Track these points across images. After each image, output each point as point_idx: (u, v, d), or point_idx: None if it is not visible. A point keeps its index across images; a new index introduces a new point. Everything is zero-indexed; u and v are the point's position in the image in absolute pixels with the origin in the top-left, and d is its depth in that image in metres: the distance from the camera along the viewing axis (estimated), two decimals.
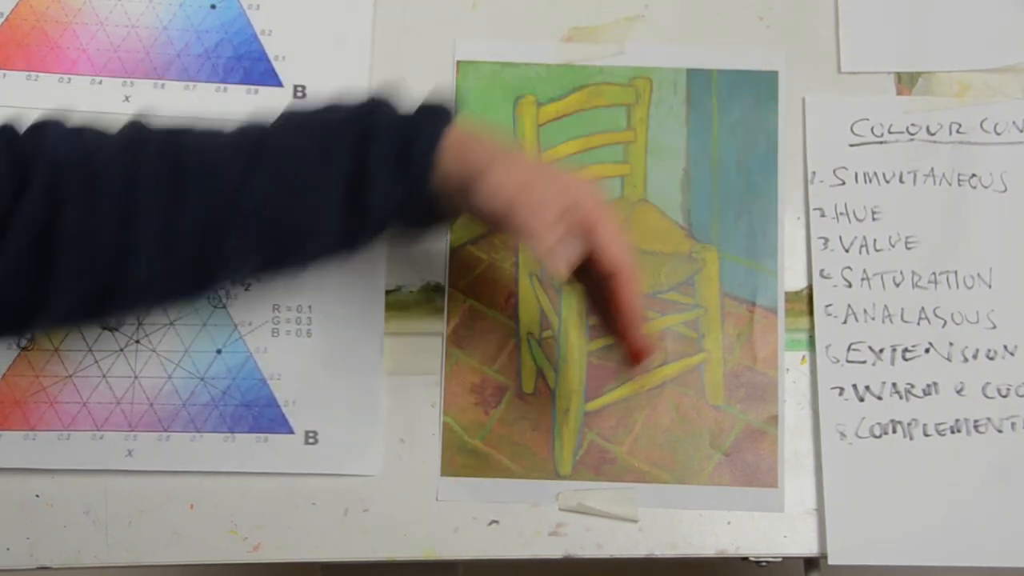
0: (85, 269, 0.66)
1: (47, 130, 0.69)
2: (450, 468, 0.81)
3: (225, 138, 0.69)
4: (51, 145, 0.67)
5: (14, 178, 0.65)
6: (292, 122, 0.71)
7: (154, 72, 0.85)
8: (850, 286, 0.82)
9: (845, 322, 0.82)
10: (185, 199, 0.66)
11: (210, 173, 0.67)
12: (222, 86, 0.85)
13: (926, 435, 0.80)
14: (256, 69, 0.86)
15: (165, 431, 0.80)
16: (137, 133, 0.69)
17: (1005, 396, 0.81)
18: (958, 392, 0.81)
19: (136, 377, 0.81)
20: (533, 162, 0.77)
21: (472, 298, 0.83)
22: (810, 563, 0.82)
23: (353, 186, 0.68)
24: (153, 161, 0.67)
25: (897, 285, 0.82)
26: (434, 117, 0.70)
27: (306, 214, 0.68)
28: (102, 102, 0.85)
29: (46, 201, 0.65)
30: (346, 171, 0.68)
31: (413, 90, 0.85)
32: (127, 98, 0.85)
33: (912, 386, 0.81)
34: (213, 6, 0.86)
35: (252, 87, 0.85)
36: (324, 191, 0.68)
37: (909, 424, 0.80)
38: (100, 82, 0.85)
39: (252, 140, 0.69)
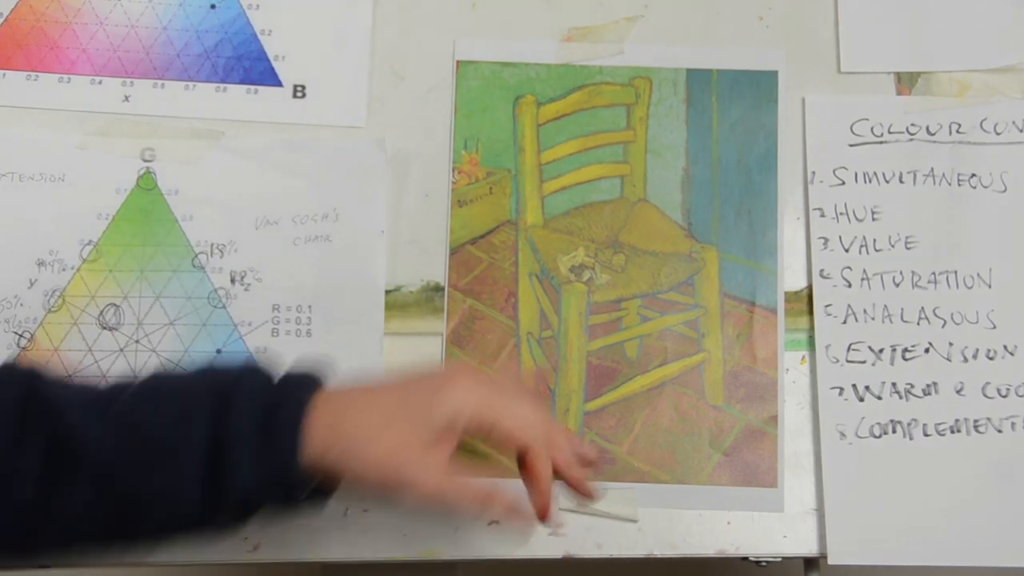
0: None
1: None
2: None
3: (85, 391, 0.65)
4: None
5: None
6: (156, 384, 0.66)
7: (154, 72, 0.85)
8: (850, 286, 0.82)
9: (845, 322, 0.82)
10: (24, 441, 0.61)
11: (56, 417, 0.62)
12: (222, 86, 0.85)
13: (926, 435, 0.80)
14: (256, 69, 0.86)
15: None
16: (22, 405, 0.63)
17: (1005, 396, 0.81)
18: (958, 392, 0.81)
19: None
20: (396, 405, 0.66)
21: (472, 298, 0.83)
22: (810, 563, 0.82)
23: (212, 460, 0.62)
24: (5, 403, 0.62)
25: (897, 285, 0.83)
26: (300, 385, 0.65)
27: (158, 483, 0.62)
28: (102, 102, 0.85)
29: None
30: (204, 443, 0.62)
31: (413, 90, 0.85)
32: (127, 98, 0.85)
33: (912, 386, 0.81)
34: (213, 6, 0.86)
35: (252, 87, 0.85)
36: (180, 462, 0.62)
37: (909, 424, 0.80)
38: (100, 82, 0.85)
39: (108, 393, 0.64)
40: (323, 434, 0.63)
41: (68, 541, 0.65)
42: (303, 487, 0.64)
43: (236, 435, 0.62)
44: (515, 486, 0.80)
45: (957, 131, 0.84)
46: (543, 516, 0.67)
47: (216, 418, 0.62)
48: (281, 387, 0.65)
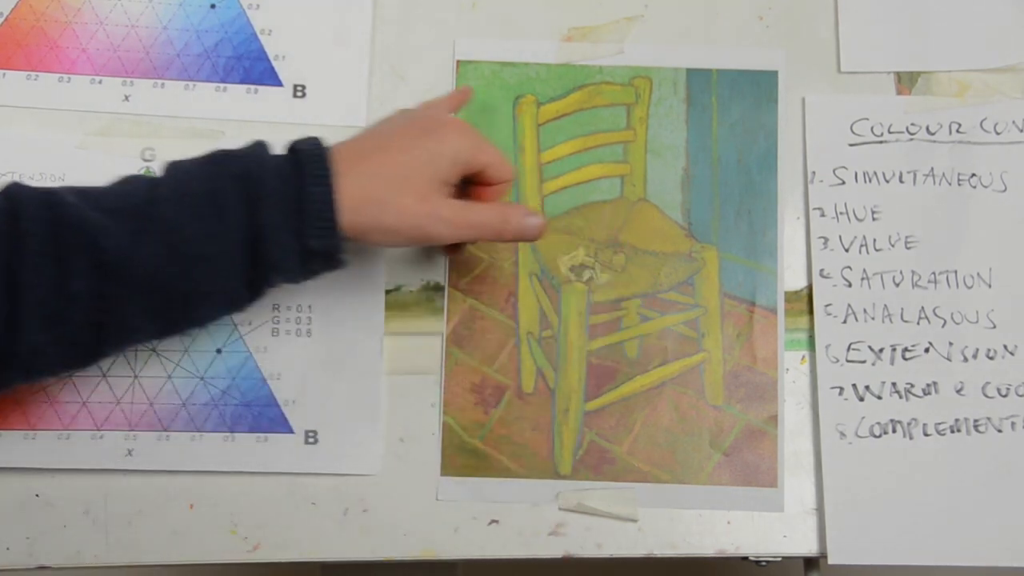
0: None
1: None
2: (450, 468, 0.81)
3: (106, 203, 0.67)
4: None
5: None
6: (177, 182, 0.68)
7: (154, 72, 0.85)
8: (850, 286, 0.82)
9: (845, 322, 0.82)
10: (70, 272, 0.64)
11: (93, 244, 0.65)
12: (222, 85, 0.85)
13: (926, 435, 0.80)
14: (256, 68, 0.86)
15: (165, 431, 0.80)
16: (8, 207, 0.65)
17: (1005, 396, 0.81)
18: (958, 392, 0.81)
19: (136, 377, 0.81)
20: (407, 157, 0.72)
21: (472, 298, 0.83)
22: (810, 563, 0.82)
23: (251, 251, 0.67)
24: (28, 237, 0.64)
25: (897, 285, 0.83)
26: (316, 156, 0.69)
27: (202, 281, 0.67)
28: (102, 102, 0.85)
29: None
30: (241, 239, 0.67)
31: (413, 90, 0.85)
32: (127, 97, 0.85)
33: (912, 386, 0.81)
34: (213, 6, 0.86)
35: (252, 86, 0.85)
36: (220, 259, 0.67)
37: (909, 424, 0.80)
38: (100, 82, 0.85)
39: (135, 206, 0.67)
40: (351, 200, 0.68)
41: (127, 343, 0.72)
42: (341, 253, 0.70)
43: (274, 224, 0.67)
44: (515, 485, 0.80)
45: (957, 131, 0.84)
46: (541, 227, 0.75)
47: (250, 211, 0.67)
48: (300, 164, 0.69)
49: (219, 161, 0.69)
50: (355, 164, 0.70)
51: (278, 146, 0.71)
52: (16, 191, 0.66)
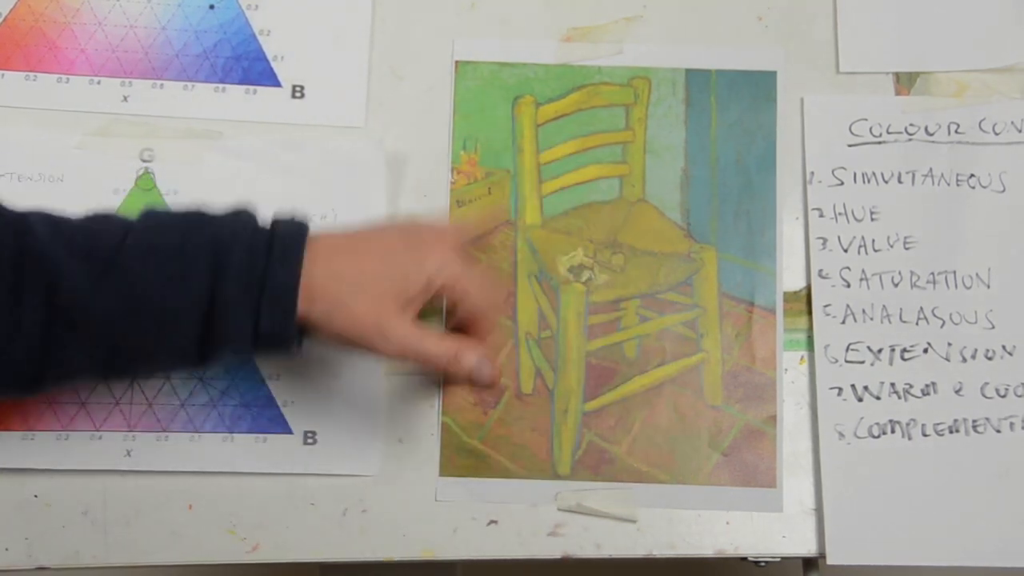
0: None
1: None
2: (449, 468, 0.81)
3: (76, 242, 0.66)
4: None
5: None
6: (149, 233, 0.67)
7: (152, 72, 0.85)
8: (849, 286, 0.82)
9: (844, 322, 0.82)
10: (23, 303, 0.63)
11: (51, 283, 0.64)
12: (221, 86, 0.85)
13: (924, 435, 0.80)
14: (255, 69, 0.86)
15: (164, 431, 0.80)
16: None
17: (1004, 396, 0.81)
18: (957, 392, 0.81)
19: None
20: (380, 264, 0.70)
21: None
22: (809, 563, 0.82)
23: (206, 319, 0.66)
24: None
25: (896, 285, 0.83)
26: (291, 239, 0.67)
27: (154, 338, 0.66)
28: (101, 102, 0.85)
29: None
30: (201, 308, 0.66)
31: (412, 90, 0.86)
32: (125, 98, 0.85)
33: (911, 386, 0.81)
34: (212, 6, 0.86)
35: (251, 87, 0.85)
36: (178, 325, 0.66)
37: (908, 424, 0.80)
38: (98, 82, 0.85)
39: (103, 250, 0.65)
40: (309, 292, 0.67)
41: (66, 381, 0.71)
42: (293, 341, 0.68)
43: (233, 298, 0.66)
44: (514, 486, 0.80)
45: (956, 131, 0.84)
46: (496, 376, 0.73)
47: (213, 280, 0.66)
48: (273, 243, 0.67)
49: (195, 221, 0.68)
50: (327, 257, 0.68)
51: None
52: None
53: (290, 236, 0.68)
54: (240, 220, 0.69)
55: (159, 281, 0.65)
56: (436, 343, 0.69)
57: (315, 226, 0.70)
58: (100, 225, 0.68)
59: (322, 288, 0.67)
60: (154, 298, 0.65)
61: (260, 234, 0.68)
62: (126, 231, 0.67)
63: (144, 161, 0.84)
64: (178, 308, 0.66)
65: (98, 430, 0.80)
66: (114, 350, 0.66)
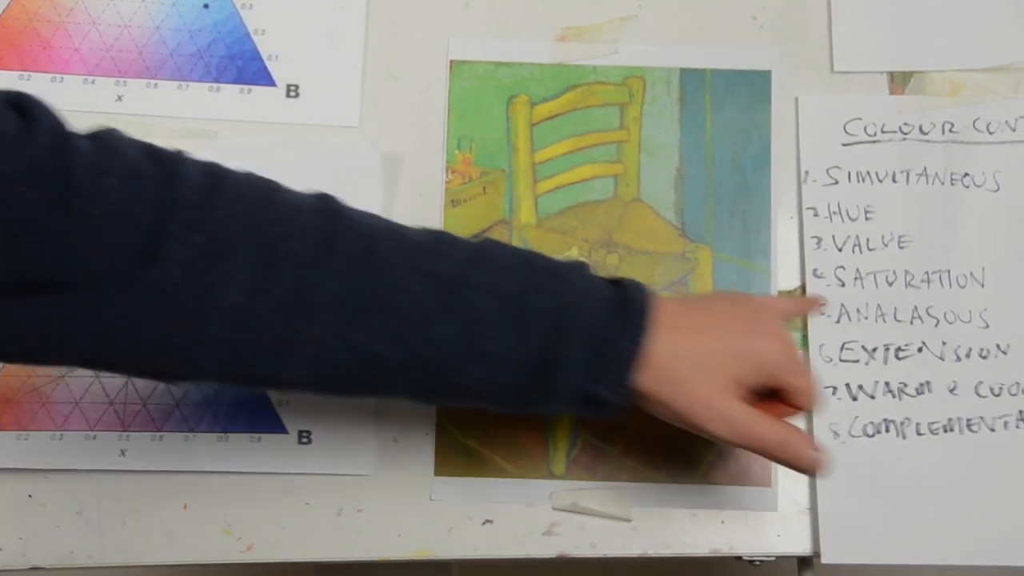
0: (234, 354, 0.61)
1: (224, 182, 0.63)
2: (444, 468, 0.81)
3: (421, 262, 0.64)
4: (230, 209, 0.61)
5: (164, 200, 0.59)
6: (492, 272, 0.65)
7: (147, 72, 0.85)
8: (843, 285, 0.83)
9: (838, 321, 0.82)
10: (361, 325, 0.62)
11: (396, 308, 0.62)
12: (215, 85, 0.85)
13: (919, 434, 0.80)
14: (249, 68, 0.86)
15: (158, 431, 0.80)
16: (328, 227, 0.63)
17: (998, 395, 0.81)
18: (951, 391, 0.81)
19: (129, 377, 0.81)
20: (722, 349, 0.68)
21: None
22: (804, 562, 0.82)
23: (536, 371, 0.64)
24: (339, 273, 0.62)
25: (890, 284, 0.83)
26: (636, 310, 0.66)
27: (476, 377, 0.64)
28: (95, 102, 0.85)
29: (219, 274, 0.60)
30: (534, 358, 0.64)
31: (407, 89, 0.85)
32: (120, 97, 0.85)
33: (905, 385, 0.81)
34: (206, 5, 0.86)
35: (245, 86, 0.85)
36: (504, 365, 0.64)
37: (902, 423, 0.80)
38: (93, 82, 0.85)
39: (448, 280, 0.64)
40: (653, 366, 0.65)
41: (375, 396, 0.71)
42: (619, 408, 0.67)
43: (572, 360, 0.64)
44: (509, 485, 0.80)
45: (950, 130, 0.85)
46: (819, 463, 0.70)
47: (554, 337, 0.64)
48: (622, 312, 0.66)
49: (539, 269, 0.66)
50: (672, 332, 0.66)
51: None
52: (335, 219, 0.64)
53: (639, 307, 0.66)
54: (585, 277, 0.67)
55: (499, 325, 0.64)
56: (770, 428, 0.68)
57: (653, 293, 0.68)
58: (444, 247, 0.66)
59: (665, 363, 0.66)
60: (490, 339, 0.64)
61: (606, 299, 0.66)
62: (472, 264, 0.65)
63: None
64: (511, 356, 0.64)
65: (92, 430, 0.80)
66: (435, 380, 0.65)
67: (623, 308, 0.66)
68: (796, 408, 0.70)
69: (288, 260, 0.61)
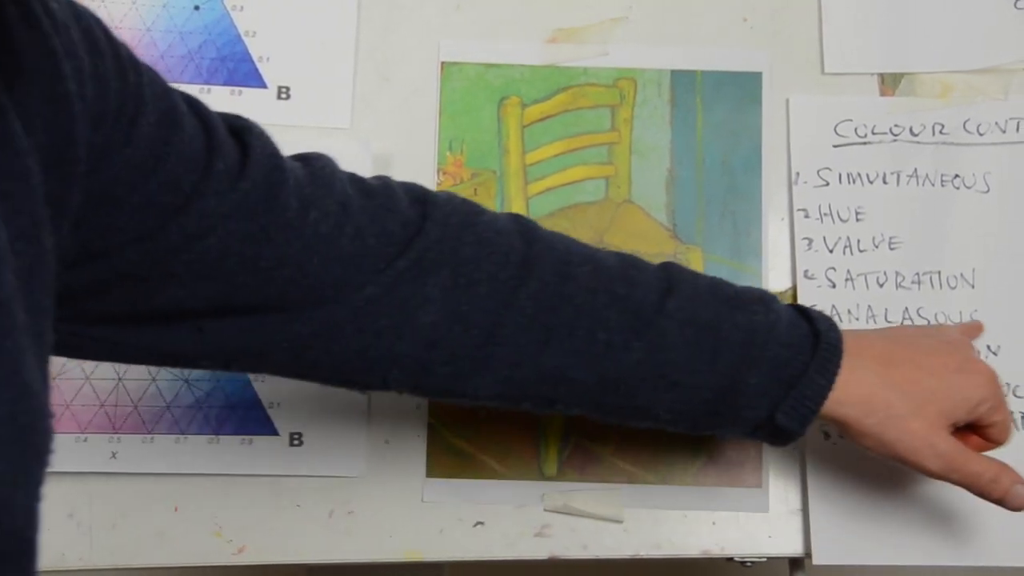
0: (424, 369, 0.64)
1: (434, 203, 0.65)
2: (435, 469, 0.81)
3: (617, 288, 0.65)
4: (437, 232, 0.64)
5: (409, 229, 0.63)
6: (685, 303, 0.66)
7: None
8: (834, 286, 0.83)
9: None
10: (552, 347, 0.64)
11: (585, 334, 0.64)
12: (206, 87, 0.85)
13: None
14: (240, 70, 0.86)
15: (149, 433, 0.80)
16: (526, 252, 0.65)
17: None
18: None
19: (120, 379, 0.81)
20: (924, 391, 0.69)
21: None
22: (795, 563, 0.82)
23: (719, 398, 0.66)
24: (535, 297, 0.64)
25: (881, 285, 0.83)
26: (832, 354, 0.66)
27: (658, 402, 0.66)
28: None
29: (413, 293, 0.62)
30: (718, 385, 0.65)
31: (398, 91, 0.85)
32: None
33: None
34: (197, 7, 0.86)
35: (236, 88, 0.85)
36: (687, 392, 0.66)
37: None
38: None
39: (644, 308, 0.65)
40: (847, 396, 0.66)
41: (556, 410, 0.69)
42: (798, 436, 0.68)
43: (759, 389, 0.65)
44: (501, 487, 0.80)
45: (940, 132, 0.85)
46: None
47: (742, 366, 0.65)
48: (817, 348, 0.66)
49: (727, 299, 0.67)
50: (879, 366, 0.68)
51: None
52: (533, 244, 0.65)
53: (831, 341, 0.67)
54: (772, 309, 0.67)
55: (686, 352, 0.65)
56: (982, 464, 0.68)
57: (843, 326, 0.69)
58: (636, 273, 0.67)
59: (875, 396, 0.67)
60: (681, 369, 0.65)
61: (797, 329, 0.67)
62: (665, 291, 0.66)
63: None
64: (700, 384, 0.65)
65: (83, 432, 0.80)
66: (618, 400, 0.67)
67: (814, 339, 0.66)
68: (995, 443, 0.71)
69: (486, 282, 0.63)
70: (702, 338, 0.65)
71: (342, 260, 0.61)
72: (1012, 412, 0.79)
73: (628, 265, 0.67)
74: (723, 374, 0.65)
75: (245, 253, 0.58)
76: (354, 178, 0.65)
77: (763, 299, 0.68)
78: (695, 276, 0.69)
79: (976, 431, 0.71)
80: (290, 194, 0.60)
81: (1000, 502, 0.69)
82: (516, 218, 0.67)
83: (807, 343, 0.66)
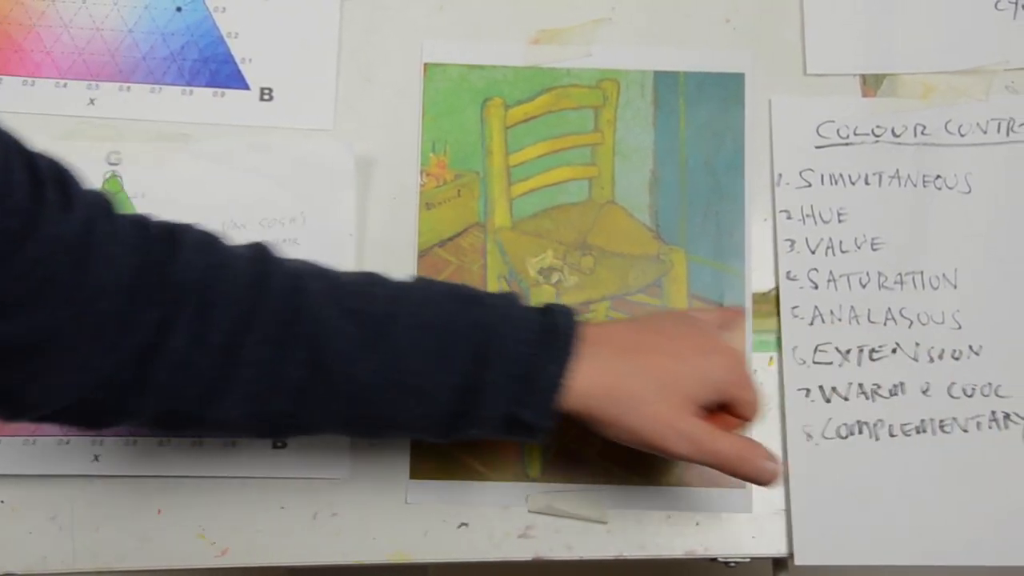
0: (172, 395, 0.63)
1: (183, 237, 0.65)
2: (419, 471, 0.81)
3: (348, 301, 0.65)
4: (183, 260, 0.63)
5: (143, 287, 0.61)
6: (416, 307, 0.67)
7: (119, 75, 0.85)
8: (816, 287, 0.83)
9: (812, 323, 0.82)
10: (289, 361, 0.64)
11: (320, 344, 0.64)
12: (188, 89, 0.85)
13: (892, 435, 0.81)
14: (222, 72, 0.85)
15: (132, 435, 0.80)
16: (261, 271, 0.65)
17: (970, 396, 0.81)
18: (924, 392, 0.81)
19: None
20: (666, 374, 0.69)
21: None
22: (778, 563, 0.82)
23: (461, 399, 0.66)
24: (270, 313, 0.63)
25: (863, 286, 0.83)
26: (563, 333, 0.67)
27: (404, 411, 0.66)
28: (67, 105, 0.84)
29: (159, 319, 0.61)
30: (458, 385, 0.65)
31: (381, 92, 0.85)
32: (92, 101, 0.84)
33: (878, 387, 0.81)
34: (179, 9, 0.86)
35: (218, 90, 0.85)
36: (430, 396, 0.66)
37: (875, 425, 0.81)
38: (65, 85, 0.84)
39: (373, 316, 0.65)
40: (589, 387, 0.66)
41: (301, 434, 0.73)
42: (547, 431, 0.68)
43: (497, 386, 0.66)
44: (485, 488, 0.80)
45: (922, 133, 0.85)
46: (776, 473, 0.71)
47: (478, 365, 0.65)
48: (547, 337, 0.67)
49: (463, 299, 0.68)
50: (621, 352, 0.68)
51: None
52: (268, 264, 0.65)
53: (564, 331, 0.67)
54: (510, 306, 0.68)
55: (422, 357, 0.65)
56: (727, 442, 0.69)
57: (583, 318, 0.69)
58: (372, 288, 0.67)
59: (609, 384, 0.67)
60: (417, 373, 0.65)
61: (531, 323, 0.67)
62: (395, 299, 0.67)
63: (111, 164, 0.83)
64: (438, 386, 0.65)
65: (66, 435, 0.80)
66: (362, 414, 0.67)
67: (549, 333, 0.67)
68: (743, 420, 0.72)
69: (223, 304, 0.63)
70: (435, 341, 0.65)
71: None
72: (995, 411, 0.80)
73: (368, 282, 0.68)
74: (457, 372, 0.65)
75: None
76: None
77: (503, 298, 0.69)
78: (437, 284, 0.70)
79: (728, 411, 0.71)
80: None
81: (753, 479, 0.70)
82: (253, 245, 0.67)
83: (542, 338, 0.66)
